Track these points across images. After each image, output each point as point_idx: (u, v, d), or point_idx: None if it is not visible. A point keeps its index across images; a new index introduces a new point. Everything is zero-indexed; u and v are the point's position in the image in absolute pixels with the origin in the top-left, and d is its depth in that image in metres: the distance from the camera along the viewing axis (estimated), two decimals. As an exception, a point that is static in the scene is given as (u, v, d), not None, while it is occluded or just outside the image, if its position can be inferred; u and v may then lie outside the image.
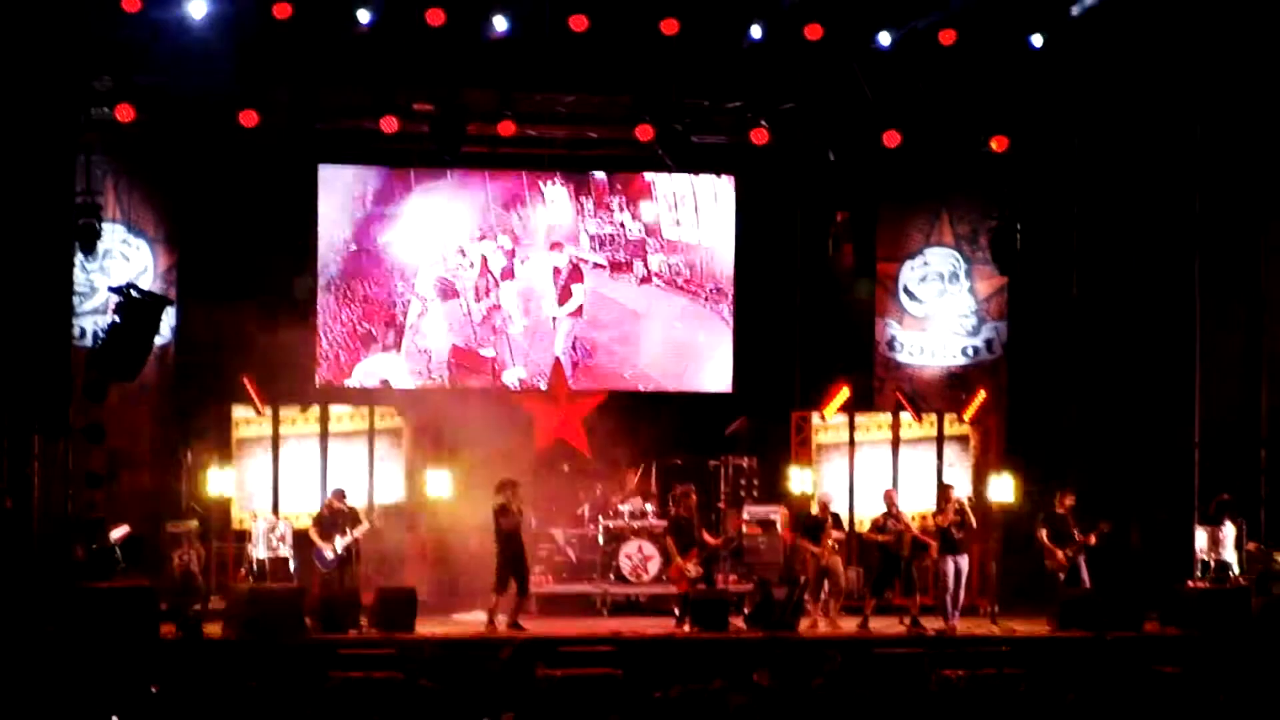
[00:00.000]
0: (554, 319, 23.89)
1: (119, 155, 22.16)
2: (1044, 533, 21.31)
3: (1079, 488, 21.89)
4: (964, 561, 21.12)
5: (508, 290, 23.71)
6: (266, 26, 20.37)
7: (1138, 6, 21.36)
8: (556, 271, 23.90)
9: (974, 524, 21.27)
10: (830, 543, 20.86)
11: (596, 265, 24.01)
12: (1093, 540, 21.22)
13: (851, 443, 22.92)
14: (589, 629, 20.49)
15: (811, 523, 21.23)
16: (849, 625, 20.81)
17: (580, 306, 23.92)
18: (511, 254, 23.69)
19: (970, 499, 21.87)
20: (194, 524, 21.30)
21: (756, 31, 21.22)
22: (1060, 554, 21.20)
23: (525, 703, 16.96)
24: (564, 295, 23.94)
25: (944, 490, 21.57)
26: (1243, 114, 21.92)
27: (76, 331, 21.35)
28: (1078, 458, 23.15)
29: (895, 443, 22.99)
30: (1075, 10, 21.19)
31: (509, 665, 17.45)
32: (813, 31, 21.30)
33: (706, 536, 21.41)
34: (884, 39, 21.30)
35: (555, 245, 23.85)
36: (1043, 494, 21.99)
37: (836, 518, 21.57)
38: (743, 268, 24.25)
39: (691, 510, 21.29)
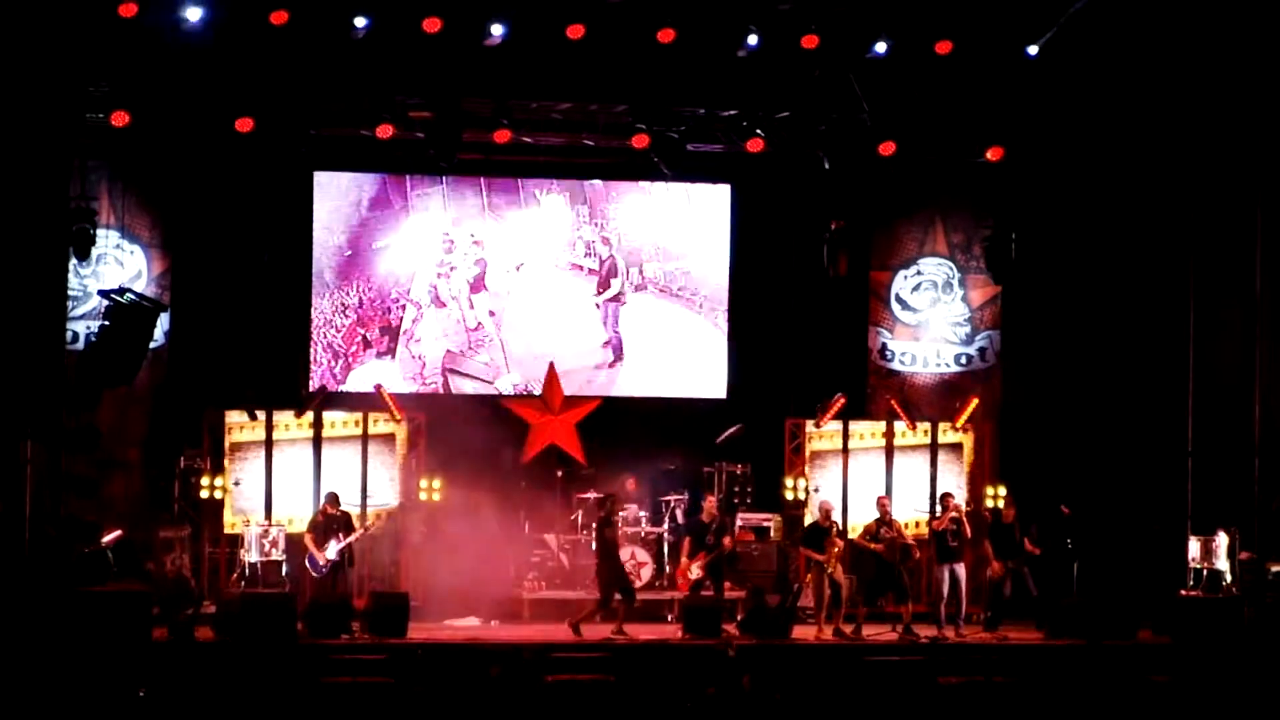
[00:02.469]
0: (597, 304, 23.95)
1: (114, 160, 22.16)
2: (989, 544, 21.50)
3: (1069, 497, 21.98)
4: (960, 570, 21.13)
5: (480, 303, 23.73)
6: (263, 32, 20.40)
7: (1132, 15, 21.41)
8: (601, 262, 23.92)
9: (969, 534, 21.32)
10: (835, 551, 20.84)
11: (591, 272, 24.04)
12: (1037, 550, 21.35)
13: (845, 450, 22.92)
14: (583, 635, 20.48)
15: (814, 531, 21.20)
16: (845, 631, 20.79)
17: (620, 293, 23.95)
18: (484, 264, 23.71)
19: (970, 506, 21.90)
20: (187, 528, 21.30)
21: (753, 39, 21.33)
22: (997, 565, 21.32)
23: (520, 708, 17.01)
24: (602, 286, 23.96)
25: (944, 498, 21.60)
26: (1236, 122, 21.94)
27: (69, 336, 21.32)
28: (1071, 466, 23.17)
29: (889, 450, 22.99)
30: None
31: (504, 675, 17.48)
32: (809, 41, 21.36)
33: (726, 540, 21.27)
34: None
35: (594, 247, 23.90)
36: (1034, 501, 22.07)
37: (836, 526, 21.58)
38: (737, 276, 24.28)
39: (713, 515, 21.19)
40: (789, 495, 22.75)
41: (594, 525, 21.33)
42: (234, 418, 21.75)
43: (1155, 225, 22.92)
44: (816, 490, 22.60)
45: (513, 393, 23.81)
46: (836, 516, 21.72)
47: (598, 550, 20.90)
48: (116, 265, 22.49)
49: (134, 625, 19.04)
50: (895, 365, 24.21)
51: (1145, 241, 23.06)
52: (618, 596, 20.48)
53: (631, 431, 23.56)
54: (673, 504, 22.92)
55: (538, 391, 23.65)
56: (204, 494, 21.42)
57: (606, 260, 24.01)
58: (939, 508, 21.69)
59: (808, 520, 22.24)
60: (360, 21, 20.60)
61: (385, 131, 21.64)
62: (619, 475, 23.07)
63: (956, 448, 23.14)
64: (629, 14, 21.06)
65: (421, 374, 23.74)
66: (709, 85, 22.23)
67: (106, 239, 22.22)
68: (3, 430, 19.11)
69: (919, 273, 24.29)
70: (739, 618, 21.01)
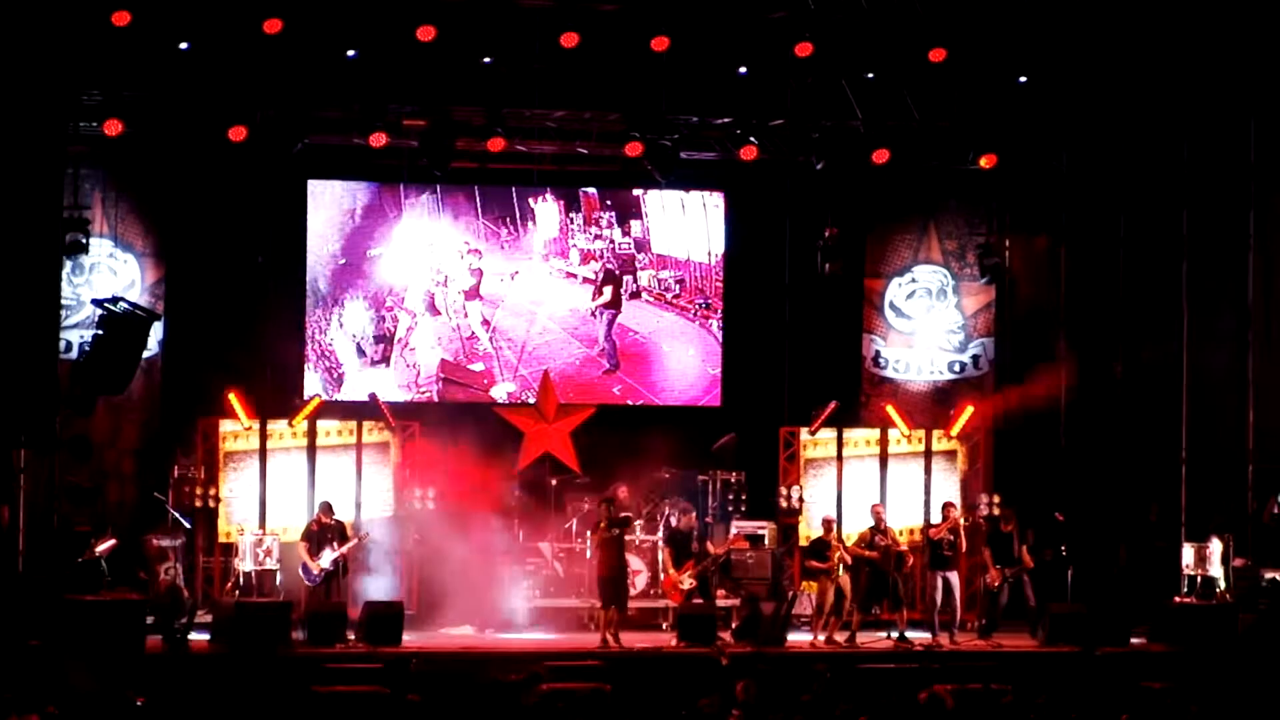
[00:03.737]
0: (592, 312, 23.94)
1: (107, 169, 22.17)
2: (988, 552, 21.47)
3: (1063, 505, 21.98)
4: (954, 578, 21.15)
5: (474, 311, 23.73)
6: (256, 41, 20.40)
7: (1126, 23, 21.44)
8: (596, 274, 23.92)
9: (964, 546, 21.32)
10: (836, 557, 20.85)
11: (586, 280, 24.04)
12: (1030, 563, 21.37)
13: (839, 458, 22.91)
14: (577, 643, 20.48)
15: (818, 543, 21.21)
16: (838, 640, 20.79)
17: (616, 301, 23.95)
18: (479, 273, 23.70)
19: (969, 520, 21.86)
20: (181, 537, 21.27)
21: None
22: (994, 571, 21.30)
23: (515, 717, 16.97)
24: (597, 293, 23.96)
25: (945, 508, 21.58)
26: (1229, 130, 21.97)
27: (63, 345, 21.29)
28: (1065, 473, 23.18)
29: (883, 458, 22.98)
30: None
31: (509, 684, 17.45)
32: (803, 49, 21.37)
33: (710, 546, 21.26)
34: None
35: (588, 255, 23.88)
36: (1028, 508, 22.06)
37: (835, 534, 21.59)
38: (732, 283, 24.27)
39: (691, 524, 21.23)
40: (783, 504, 22.74)
41: (592, 531, 21.26)
42: (228, 426, 21.73)
43: (1148, 230, 22.93)
44: (814, 503, 22.57)
45: (507, 401, 23.80)
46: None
47: (595, 559, 20.84)
48: (110, 274, 22.46)
49: (128, 634, 19.05)
50: (889, 373, 24.21)
51: (1139, 247, 23.07)
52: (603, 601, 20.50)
53: (626, 439, 23.51)
54: (667, 512, 22.88)
55: (532, 400, 23.64)
56: (198, 503, 21.39)
57: (601, 268, 24.02)
58: (939, 516, 21.64)
59: (803, 529, 22.27)
60: (355, 32, 20.62)
61: (379, 140, 21.65)
62: (613, 483, 23.03)
63: (950, 455, 23.14)
64: (623, 22, 21.07)
65: (416, 382, 23.73)
66: (703, 93, 22.23)
67: (100, 248, 22.22)
68: (-3, 439, 19.12)
69: (914, 280, 24.30)
70: (734, 625, 21.01)
